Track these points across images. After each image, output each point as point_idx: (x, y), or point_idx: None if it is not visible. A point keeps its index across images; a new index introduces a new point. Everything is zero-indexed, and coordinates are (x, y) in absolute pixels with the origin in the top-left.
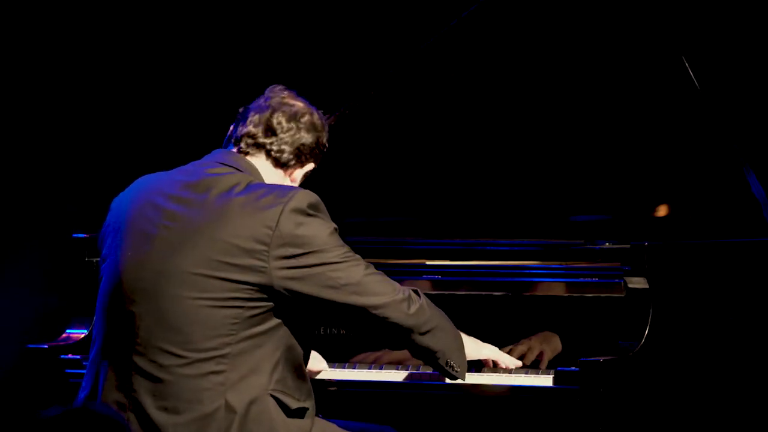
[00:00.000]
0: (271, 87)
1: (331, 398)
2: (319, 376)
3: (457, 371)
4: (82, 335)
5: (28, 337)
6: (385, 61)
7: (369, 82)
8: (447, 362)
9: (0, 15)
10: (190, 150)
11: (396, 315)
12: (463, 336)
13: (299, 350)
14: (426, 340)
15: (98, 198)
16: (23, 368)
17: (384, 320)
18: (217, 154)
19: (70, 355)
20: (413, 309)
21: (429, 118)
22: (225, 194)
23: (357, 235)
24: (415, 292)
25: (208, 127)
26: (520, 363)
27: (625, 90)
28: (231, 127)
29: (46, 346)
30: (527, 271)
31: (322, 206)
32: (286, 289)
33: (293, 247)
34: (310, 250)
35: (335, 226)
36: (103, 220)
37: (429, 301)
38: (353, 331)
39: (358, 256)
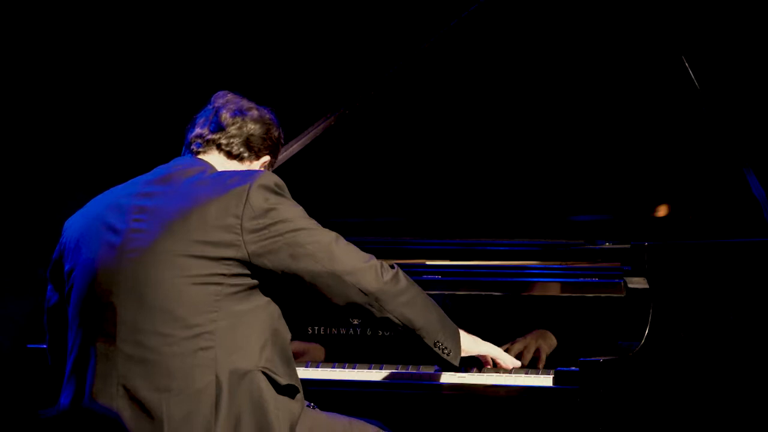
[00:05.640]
0: (215, 93)
1: (330, 398)
2: (315, 376)
3: (448, 354)
4: None
5: (28, 337)
6: (385, 61)
7: (369, 82)
8: (435, 343)
9: None
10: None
11: (368, 280)
12: (462, 332)
13: (286, 336)
14: (404, 312)
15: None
16: (23, 368)
17: (355, 287)
18: (175, 159)
19: None
20: (387, 276)
21: (429, 118)
22: (193, 179)
23: (357, 235)
24: (392, 266)
25: None
26: (519, 363)
27: (625, 90)
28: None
29: (46, 346)
30: (527, 271)
31: (287, 189)
32: (261, 262)
33: (264, 219)
34: (280, 219)
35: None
36: None
37: (409, 278)
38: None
39: (322, 227)
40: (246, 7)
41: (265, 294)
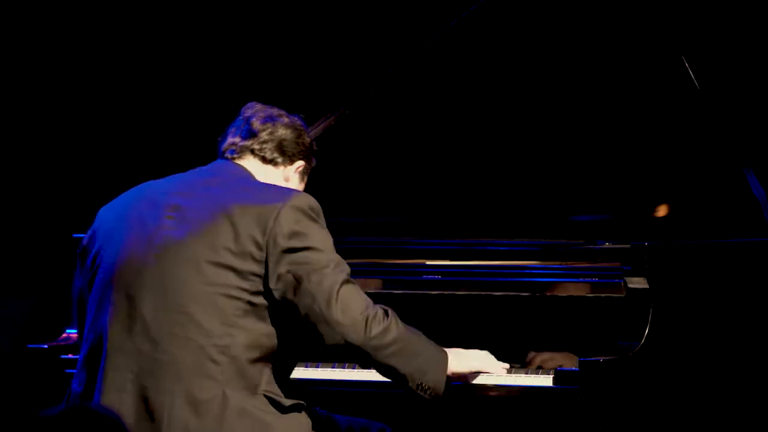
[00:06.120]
0: (244, 105)
1: (330, 398)
2: (315, 376)
3: (429, 394)
4: None
5: (28, 337)
6: (385, 61)
7: (369, 82)
8: (418, 386)
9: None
10: (191, 150)
11: (357, 334)
12: (450, 352)
13: (291, 361)
14: (389, 361)
15: (98, 198)
16: (23, 368)
17: (342, 336)
18: (213, 163)
19: (70, 355)
20: (375, 331)
21: (429, 118)
22: (231, 184)
23: (357, 235)
24: (385, 312)
25: (207, 128)
26: (507, 365)
27: (626, 90)
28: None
29: (46, 346)
30: (527, 271)
31: (322, 214)
32: (270, 282)
33: (289, 240)
34: (303, 246)
35: (331, 238)
36: None
37: (399, 322)
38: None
39: (344, 268)
40: (246, 7)
41: (280, 317)
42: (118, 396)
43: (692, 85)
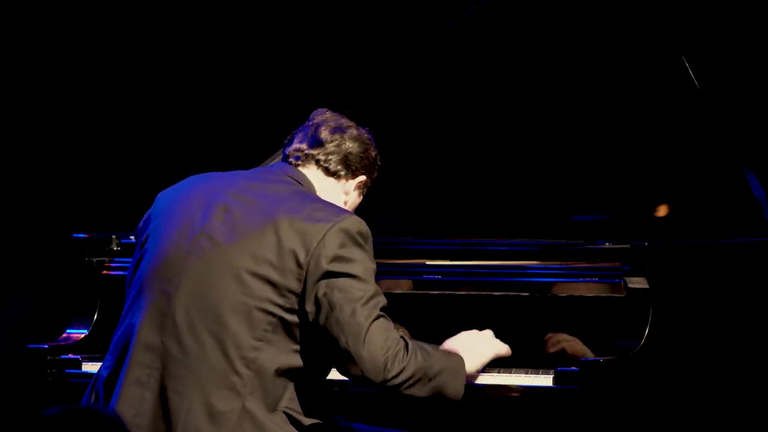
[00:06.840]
0: (315, 110)
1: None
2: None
3: (450, 401)
4: (82, 335)
5: (28, 337)
6: (385, 61)
7: (369, 82)
8: (437, 401)
9: (2, 15)
10: (190, 151)
11: (376, 371)
12: (463, 353)
13: (317, 378)
14: (405, 392)
15: (98, 198)
16: (23, 368)
17: (360, 369)
18: (276, 165)
19: (70, 355)
20: (394, 371)
21: (429, 118)
22: (285, 195)
23: None
24: (406, 348)
25: (207, 128)
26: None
27: (625, 90)
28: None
29: (46, 346)
30: (527, 271)
31: (371, 240)
32: (304, 303)
33: (330, 264)
34: (343, 271)
35: (375, 265)
36: (102, 220)
37: (417, 354)
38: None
39: (379, 301)
40: (246, 7)
41: (308, 336)
42: (141, 391)
43: (692, 85)
